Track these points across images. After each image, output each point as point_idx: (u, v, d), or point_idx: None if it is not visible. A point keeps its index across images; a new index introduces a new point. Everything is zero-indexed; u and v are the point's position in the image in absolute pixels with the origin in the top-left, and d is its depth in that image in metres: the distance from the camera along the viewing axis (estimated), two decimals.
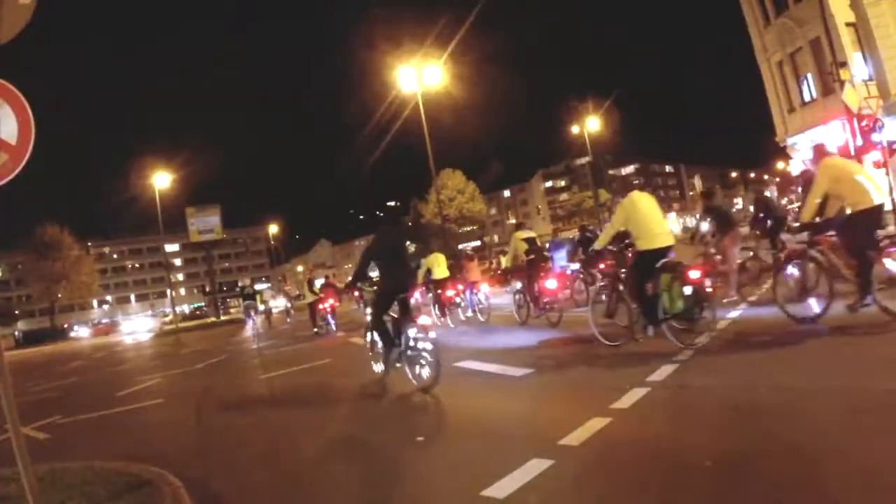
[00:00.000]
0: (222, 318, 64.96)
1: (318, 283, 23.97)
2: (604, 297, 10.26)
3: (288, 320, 37.04)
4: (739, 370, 7.00)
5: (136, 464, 6.51)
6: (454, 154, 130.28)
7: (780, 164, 76.36)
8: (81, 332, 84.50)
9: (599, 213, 70.43)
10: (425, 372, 8.56)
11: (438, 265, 18.41)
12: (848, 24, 27.84)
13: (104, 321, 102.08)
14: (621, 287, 9.67)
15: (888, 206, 20.37)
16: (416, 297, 19.54)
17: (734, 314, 10.61)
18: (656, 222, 9.00)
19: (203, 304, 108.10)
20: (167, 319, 78.44)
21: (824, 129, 28.65)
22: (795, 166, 32.46)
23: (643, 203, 9.11)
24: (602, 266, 10.36)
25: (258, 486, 5.72)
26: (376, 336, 9.68)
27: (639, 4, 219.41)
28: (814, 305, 8.69)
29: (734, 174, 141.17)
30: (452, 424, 6.75)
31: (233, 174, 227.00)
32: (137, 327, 77.46)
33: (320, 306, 22.53)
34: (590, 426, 5.52)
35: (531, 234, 15.24)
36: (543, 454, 4.95)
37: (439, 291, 18.26)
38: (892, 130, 22.53)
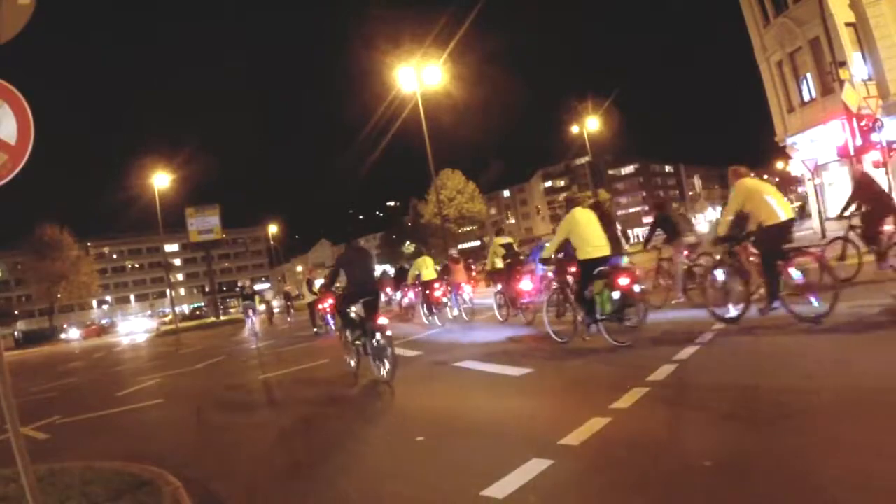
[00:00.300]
0: (222, 318, 64.91)
1: (318, 283, 23.93)
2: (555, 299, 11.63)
3: (289, 319, 37.04)
4: (739, 370, 7.00)
5: (136, 464, 6.52)
6: (454, 154, 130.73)
7: (779, 164, 76.29)
8: (72, 334, 79.79)
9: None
10: (385, 365, 9.82)
11: (427, 268, 19.36)
12: (847, 24, 27.80)
13: (99, 322, 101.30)
14: (569, 291, 10.98)
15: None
16: (410, 296, 21.82)
17: (671, 315, 11.66)
18: (594, 235, 10.12)
19: (203, 304, 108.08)
20: (167, 319, 78.34)
21: (824, 129, 28.62)
22: (795, 166, 32.42)
23: (583, 218, 10.26)
24: (574, 269, 10.74)
25: (257, 486, 5.72)
26: (347, 332, 11.26)
27: (639, 4, 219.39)
28: (733, 309, 9.71)
29: None
30: (452, 424, 6.74)
31: (232, 174, 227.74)
32: (135, 328, 76.91)
33: (319, 306, 22.51)
34: (589, 426, 5.53)
35: (509, 239, 16.81)
36: (543, 454, 4.96)
37: (427, 292, 19.24)
38: (892, 130, 22.51)
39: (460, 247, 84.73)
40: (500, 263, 16.63)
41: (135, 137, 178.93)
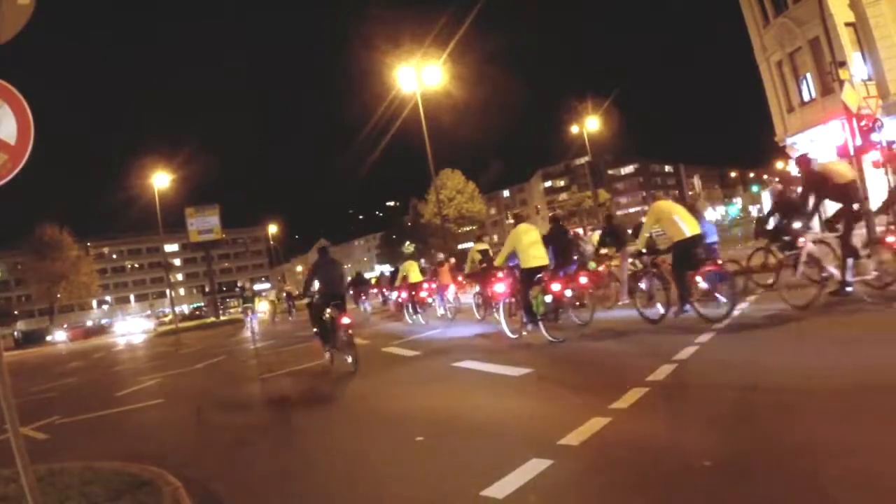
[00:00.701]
0: (222, 318, 64.92)
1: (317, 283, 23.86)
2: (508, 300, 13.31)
3: (290, 318, 37.11)
4: (738, 370, 6.99)
5: (136, 464, 6.52)
6: (454, 154, 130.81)
7: (779, 164, 76.27)
8: (58, 336, 74.17)
9: (599, 213, 70.49)
10: (350, 357, 11.81)
11: (413, 271, 21.74)
12: (847, 24, 27.81)
13: (85, 323, 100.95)
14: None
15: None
16: (402, 295, 23.06)
17: (617, 314, 13.43)
18: (534, 248, 11.73)
19: (202, 304, 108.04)
20: (166, 319, 78.22)
21: (823, 129, 28.63)
22: (795, 166, 32.44)
23: (525, 233, 11.87)
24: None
25: (257, 486, 5.72)
26: (320, 330, 13.18)
27: (639, 4, 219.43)
28: (660, 309, 11.36)
29: (733, 174, 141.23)
30: (452, 424, 6.74)
31: (232, 174, 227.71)
32: (131, 328, 76.26)
33: None
34: (589, 426, 5.53)
35: (485, 246, 18.31)
36: (543, 454, 4.96)
37: (413, 293, 21.16)
38: (892, 130, 22.52)
39: (459, 246, 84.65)
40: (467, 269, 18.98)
41: (134, 137, 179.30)
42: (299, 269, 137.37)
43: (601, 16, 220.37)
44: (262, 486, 5.72)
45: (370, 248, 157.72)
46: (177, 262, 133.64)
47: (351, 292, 29.83)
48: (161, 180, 51.57)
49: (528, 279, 11.69)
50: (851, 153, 21.02)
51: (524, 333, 11.95)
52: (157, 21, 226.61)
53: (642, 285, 12.03)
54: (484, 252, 17.76)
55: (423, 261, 41.91)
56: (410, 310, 21.23)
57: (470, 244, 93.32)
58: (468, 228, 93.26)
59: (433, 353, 12.67)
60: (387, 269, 64.65)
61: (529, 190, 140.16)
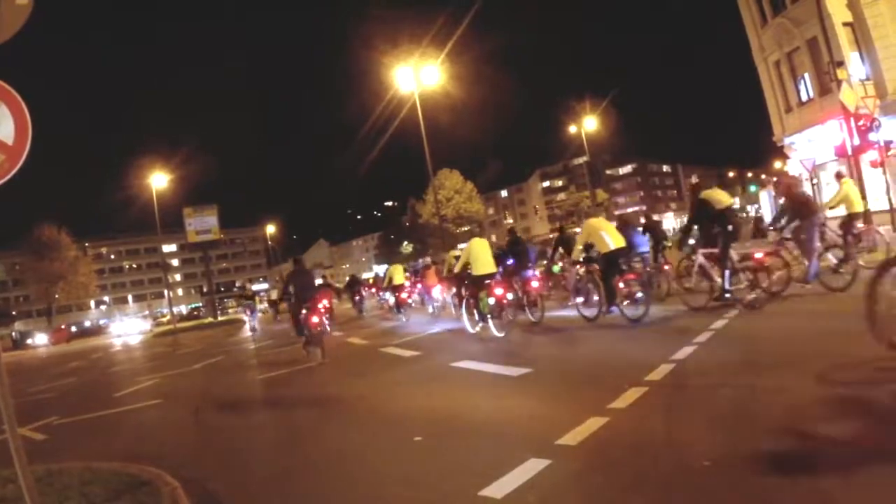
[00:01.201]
0: (220, 318, 64.92)
1: (316, 283, 24.01)
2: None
3: (278, 319, 37.27)
4: (737, 370, 7.00)
5: (134, 464, 6.52)
6: (452, 154, 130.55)
7: (777, 164, 76.31)
8: (39, 340, 69.10)
9: (597, 213, 70.43)
10: (319, 350, 14.10)
11: (397, 274, 24.63)
12: (845, 24, 27.84)
13: (96, 322, 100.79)
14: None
15: (885, 206, 20.46)
16: (389, 296, 26.67)
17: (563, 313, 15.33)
18: (483, 258, 14.16)
19: (201, 304, 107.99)
20: (164, 320, 78.09)
21: (821, 129, 28.69)
22: (793, 166, 32.46)
23: (478, 246, 14.42)
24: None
25: (255, 486, 5.72)
26: (297, 328, 16.51)
27: (638, 4, 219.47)
28: (594, 309, 13.12)
29: (732, 174, 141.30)
30: (450, 424, 6.74)
31: (231, 174, 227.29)
32: (128, 329, 75.66)
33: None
34: (587, 426, 5.53)
35: (459, 253, 19.27)
36: (541, 454, 4.96)
37: (397, 294, 24.07)
38: (889, 130, 22.55)
39: (458, 246, 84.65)
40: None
41: (133, 137, 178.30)
42: None
43: (600, 16, 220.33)
44: (260, 486, 5.72)
45: (368, 249, 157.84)
46: (175, 262, 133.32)
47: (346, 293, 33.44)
48: (159, 180, 51.65)
49: (477, 284, 14.04)
50: (849, 153, 21.09)
51: (476, 329, 14.31)
52: (155, 21, 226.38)
53: (580, 289, 13.91)
54: (458, 258, 18.41)
55: (420, 261, 42.54)
56: (395, 309, 24.27)
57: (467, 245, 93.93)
58: (466, 228, 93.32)
59: (432, 353, 12.69)
60: (382, 269, 65.68)
61: (528, 190, 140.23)
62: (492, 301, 13.49)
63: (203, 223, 69.87)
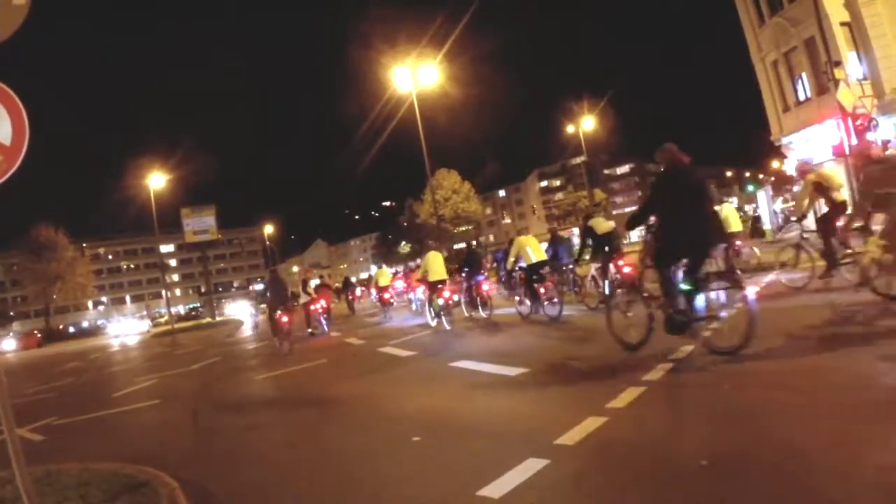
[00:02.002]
0: (218, 318, 64.87)
1: (313, 283, 24.10)
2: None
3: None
4: (735, 369, 7.00)
5: (133, 465, 6.51)
6: (450, 154, 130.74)
7: (774, 163, 76.30)
8: (6, 345, 63.69)
9: (595, 213, 70.40)
10: (286, 345, 17.54)
11: (382, 277, 27.64)
12: (842, 24, 27.88)
13: (94, 323, 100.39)
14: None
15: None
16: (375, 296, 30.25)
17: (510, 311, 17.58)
18: (436, 267, 17.60)
19: (199, 304, 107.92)
20: (162, 320, 77.91)
21: (819, 129, 28.69)
22: (790, 166, 32.47)
23: (433, 258, 18.10)
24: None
25: (253, 487, 5.72)
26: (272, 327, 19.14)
27: (635, 4, 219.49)
28: (527, 309, 15.79)
29: (729, 173, 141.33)
30: (448, 424, 6.74)
31: (228, 174, 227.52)
32: (125, 329, 74.88)
33: (313, 307, 22.62)
34: (586, 425, 5.53)
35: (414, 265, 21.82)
36: (540, 453, 4.96)
37: (380, 294, 27.20)
38: (887, 129, 22.58)
39: (455, 247, 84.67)
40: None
41: (130, 137, 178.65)
42: (295, 269, 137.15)
43: (598, 16, 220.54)
44: (258, 486, 5.72)
45: (366, 249, 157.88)
46: (173, 262, 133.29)
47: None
48: (157, 181, 51.50)
49: (432, 288, 17.51)
50: (847, 152, 21.10)
51: (431, 324, 17.48)
52: (152, 21, 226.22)
53: (517, 292, 17.05)
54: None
55: (412, 263, 43.32)
56: (380, 307, 27.40)
57: (463, 244, 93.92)
58: (464, 228, 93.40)
59: (429, 353, 12.70)
60: (373, 270, 67.10)
61: (525, 190, 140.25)
62: (441, 301, 17.00)
63: (201, 223, 69.90)
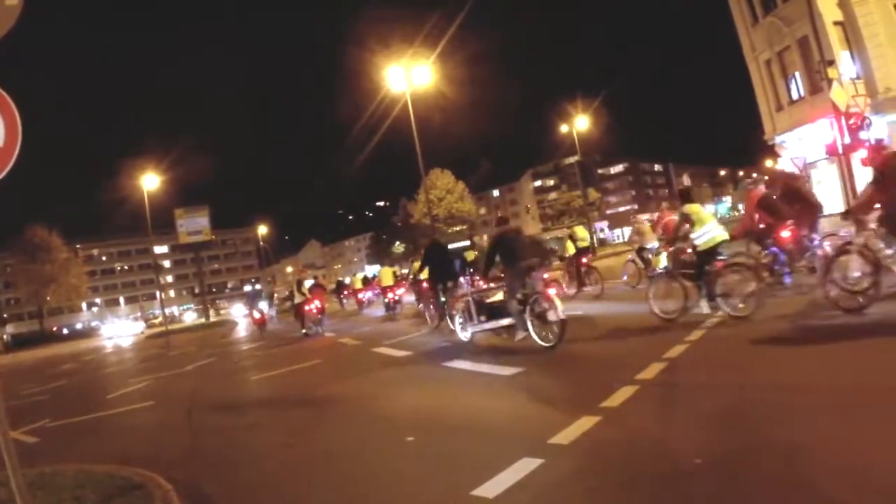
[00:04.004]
0: (212, 319, 64.82)
1: (308, 283, 24.05)
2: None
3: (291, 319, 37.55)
4: (728, 368, 7.03)
5: (127, 467, 6.49)
6: (443, 154, 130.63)
7: (768, 162, 76.51)
8: None
9: (589, 213, 70.51)
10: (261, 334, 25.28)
11: (357, 281, 35.66)
12: (835, 23, 27.93)
13: (88, 324, 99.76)
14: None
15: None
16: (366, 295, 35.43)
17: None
18: (387, 278, 23.66)
19: (192, 305, 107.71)
20: (156, 322, 77.65)
21: (812, 128, 28.77)
22: (784, 164, 32.54)
23: (384, 272, 24.58)
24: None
25: (248, 488, 5.71)
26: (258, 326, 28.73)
27: (627, 3, 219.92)
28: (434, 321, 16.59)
29: (723, 172, 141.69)
30: (442, 424, 6.75)
31: (222, 175, 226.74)
32: (119, 331, 74.55)
33: (307, 307, 22.64)
34: (579, 425, 5.54)
35: (417, 263, 21.93)
36: (534, 453, 4.97)
37: (358, 296, 34.51)
38: (880, 128, 22.66)
39: (449, 246, 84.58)
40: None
41: (123, 139, 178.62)
42: (289, 269, 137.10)
43: (594, 16, 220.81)
44: (253, 487, 5.71)
45: (360, 249, 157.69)
46: (167, 263, 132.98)
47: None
48: (150, 182, 51.46)
49: (384, 292, 23.46)
50: (840, 151, 21.17)
51: (396, 319, 20.89)
52: (147, 23, 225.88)
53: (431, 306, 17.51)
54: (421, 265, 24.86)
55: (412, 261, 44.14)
56: (357, 307, 33.86)
57: (459, 244, 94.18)
58: (458, 228, 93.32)
59: (423, 353, 12.69)
60: (373, 270, 69.33)
61: (519, 189, 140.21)
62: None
63: (194, 224, 69.78)
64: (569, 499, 4.34)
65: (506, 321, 11.43)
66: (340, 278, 63.81)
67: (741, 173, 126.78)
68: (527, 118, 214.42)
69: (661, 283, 11.07)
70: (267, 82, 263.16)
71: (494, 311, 12.03)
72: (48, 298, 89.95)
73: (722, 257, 10.24)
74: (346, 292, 42.79)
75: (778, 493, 3.73)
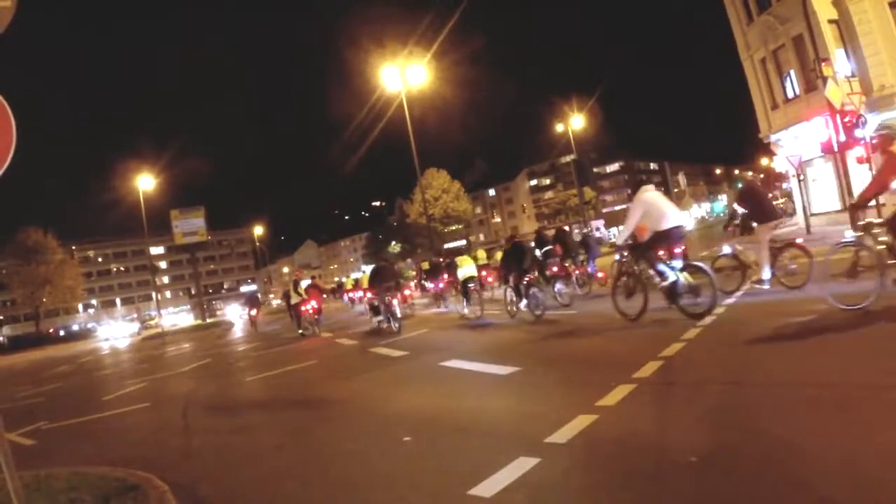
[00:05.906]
0: (208, 320, 64.77)
1: (304, 283, 24.06)
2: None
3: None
4: (724, 367, 7.03)
5: (123, 468, 6.49)
6: (439, 153, 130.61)
7: (763, 161, 76.66)
8: None
9: (584, 211, 70.59)
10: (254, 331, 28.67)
11: (349, 282, 37.64)
12: (830, 21, 27.95)
13: (85, 325, 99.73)
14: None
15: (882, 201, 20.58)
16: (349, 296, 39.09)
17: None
18: (366, 281, 22.75)
19: (188, 306, 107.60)
20: (153, 322, 77.50)
21: (807, 126, 28.73)
22: (779, 162, 32.56)
23: (365, 278, 22.55)
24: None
25: (244, 489, 5.71)
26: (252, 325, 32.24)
27: (623, 2, 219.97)
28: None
29: (718, 171, 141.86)
30: (439, 424, 6.74)
31: (217, 176, 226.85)
32: (116, 332, 74.08)
33: (303, 308, 22.63)
34: (576, 423, 5.54)
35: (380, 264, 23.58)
36: (530, 452, 4.96)
37: (348, 295, 37.69)
38: (875, 126, 22.63)
39: (445, 246, 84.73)
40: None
41: (119, 140, 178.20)
42: (285, 270, 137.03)
43: (589, 14, 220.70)
44: (249, 488, 5.70)
45: (356, 249, 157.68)
46: (163, 264, 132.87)
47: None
48: (146, 183, 51.37)
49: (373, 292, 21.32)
50: (835, 149, 21.18)
51: (383, 325, 18.91)
52: (143, 23, 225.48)
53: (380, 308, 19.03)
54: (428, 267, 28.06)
55: (409, 261, 44.21)
56: (349, 304, 38.06)
57: (456, 243, 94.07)
58: (454, 227, 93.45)
59: (420, 353, 12.68)
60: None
61: (515, 189, 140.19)
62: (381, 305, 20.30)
63: (190, 225, 69.75)
64: (566, 498, 4.33)
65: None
66: (339, 279, 63.40)
67: (736, 171, 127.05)
68: (522, 117, 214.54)
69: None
70: (263, 82, 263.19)
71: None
72: (44, 300, 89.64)
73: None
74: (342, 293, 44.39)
75: (773, 490, 3.73)
